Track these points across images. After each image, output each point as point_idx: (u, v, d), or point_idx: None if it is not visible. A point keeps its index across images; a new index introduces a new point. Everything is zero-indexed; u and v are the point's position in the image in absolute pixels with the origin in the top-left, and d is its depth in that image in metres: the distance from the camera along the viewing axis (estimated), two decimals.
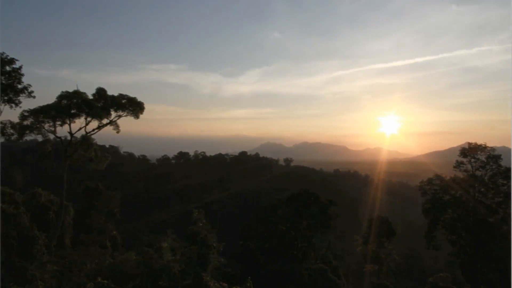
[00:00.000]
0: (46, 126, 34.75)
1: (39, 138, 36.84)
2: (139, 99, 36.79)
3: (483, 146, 42.20)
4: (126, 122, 37.75)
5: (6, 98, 31.75)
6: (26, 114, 33.65)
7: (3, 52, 31.26)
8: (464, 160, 42.75)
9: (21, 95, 32.16)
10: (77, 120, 35.51)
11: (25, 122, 33.95)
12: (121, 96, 36.52)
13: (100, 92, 35.86)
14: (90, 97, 35.42)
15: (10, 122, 34.25)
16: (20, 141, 36.99)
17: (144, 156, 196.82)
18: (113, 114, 36.50)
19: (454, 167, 43.65)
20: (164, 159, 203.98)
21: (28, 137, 38.02)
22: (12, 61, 31.45)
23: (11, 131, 34.16)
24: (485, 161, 41.98)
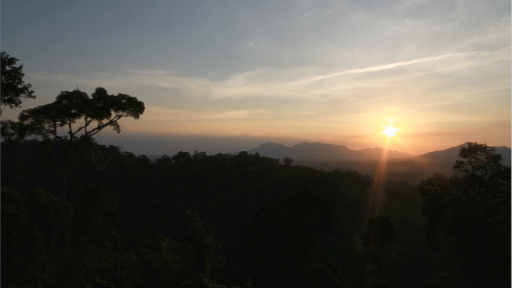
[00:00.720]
0: (46, 126, 34.73)
1: (39, 138, 36.82)
2: None
3: (483, 146, 42.22)
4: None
5: (6, 98, 31.76)
6: (26, 114, 33.64)
7: (4, 52, 31.28)
8: (464, 160, 42.77)
9: (21, 95, 32.17)
10: (77, 120, 35.49)
11: (25, 122, 33.93)
12: (121, 96, 36.51)
13: (100, 92, 35.85)
14: (90, 97, 35.41)
15: (10, 122, 34.24)
16: (20, 141, 36.98)
17: (144, 156, 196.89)
18: (113, 114, 36.49)
19: (454, 167, 43.68)
20: (164, 159, 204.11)
21: (28, 137, 38.02)
22: (12, 60, 31.46)
23: (11, 131, 34.14)
24: (485, 161, 42.00)
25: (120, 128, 37.05)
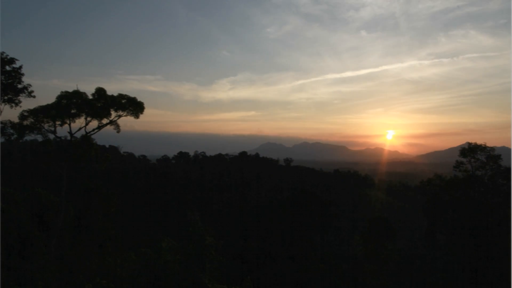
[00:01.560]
0: (46, 126, 34.73)
1: (39, 138, 36.83)
2: None
3: (483, 146, 42.22)
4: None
5: (6, 98, 31.76)
6: (26, 114, 33.63)
7: (3, 52, 31.28)
8: (464, 160, 42.77)
9: (21, 95, 32.18)
10: (77, 120, 35.47)
11: (25, 122, 33.92)
12: (121, 96, 36.49)
13: (100, 92, 35.83)
14: (90, 97, 35.40)
15: (10, 122, 34.25)
16: (20, 141, 36.97)
17: (144, 156, 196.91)
18: (113, 114, 36.45)
19: (454, 167, 43.69)
20: (164, 159, 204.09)
21: (28, 137, 38.01)
22: (12, 60, 31.46)
23: (11, 131, 34.15)
24: (485, 161, 42.00)
25: (120, 128, 37.07)
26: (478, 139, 43.54)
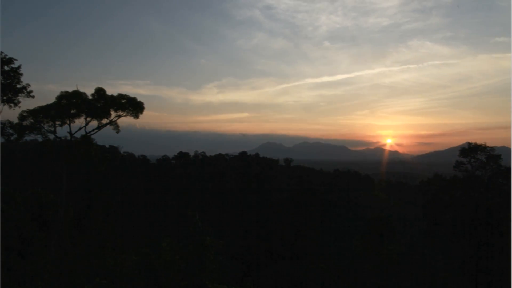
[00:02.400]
0: (46, 126, 34.74)
1: (39, 138, 36.85)
2: None
3: (483, 146, 42.22)
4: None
5: (5, 98, 31.75)
6: (25, 114, 33.64)
7: (2, 52, 31.27)
8: (464, 160, 42.77)
9: (20, 95, 32.16)
10: (77, 120, 35.50)
11: (24, 122, 33.93)
12: (121, 96, 36.50)
13: (100, 92, 35.84)
14: (90, 97, 35.41)
15: (10, 122, 34.24)
16: (20, 141, 36.97)
17: (144, 156, 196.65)
18: (113, 114, 36.47)
19: (454, 167, 43.68)
20: (164, 159, 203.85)
21: (28, 137, 38.01)
22: (11, 60, 31.45)
23: (11, 131, 34.16)
24: (485, 161, 42.00)
25: (120, 128, 37.08)
26: (479, 139, 43.45)
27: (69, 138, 35.83)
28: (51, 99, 35.21)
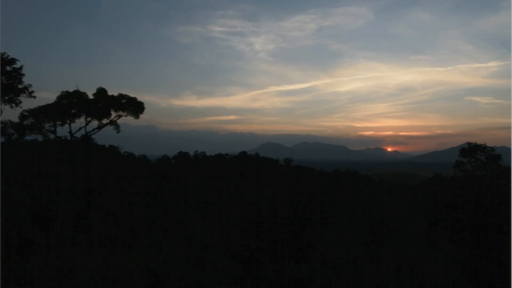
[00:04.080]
0: (46, 126, 34.75)
1: (39, 138, 36.88)
2: None
3: (483, 146, 42.23)
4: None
5: (6, 98, 31.76)
6: (26, 114, 33.65)
7: (4, 52, 31.27)
8: (464, 160, 42.79)
9: (21, 95, 32.16)
10: (77, 120, 35.50)
11: (25, 122, 33.95)
12: (121, 96, 36.52)
13: (100, 92, 35.86)
14: (90, 97, 35.42)
15: (11, 122, 34.25)
16: (20, 141, 36.99)
17: (144, 156, 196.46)
18: (113, 114, 36.48)
19: (454, 167, 43.69)
20: (164, 159, 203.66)
21: (28, 137, 38.03)
22: (13, 61, 31.45)
23: (11, 131, 34.17)
24: (485, 161, 42.01)
25: (120, 128, 37.08)
26: (479, 140, 43.61)
27: (69, 138, 35.85)
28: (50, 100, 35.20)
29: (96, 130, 36.56)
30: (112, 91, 36.60)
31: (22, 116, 33.72)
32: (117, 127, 36.97)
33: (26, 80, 32.39)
